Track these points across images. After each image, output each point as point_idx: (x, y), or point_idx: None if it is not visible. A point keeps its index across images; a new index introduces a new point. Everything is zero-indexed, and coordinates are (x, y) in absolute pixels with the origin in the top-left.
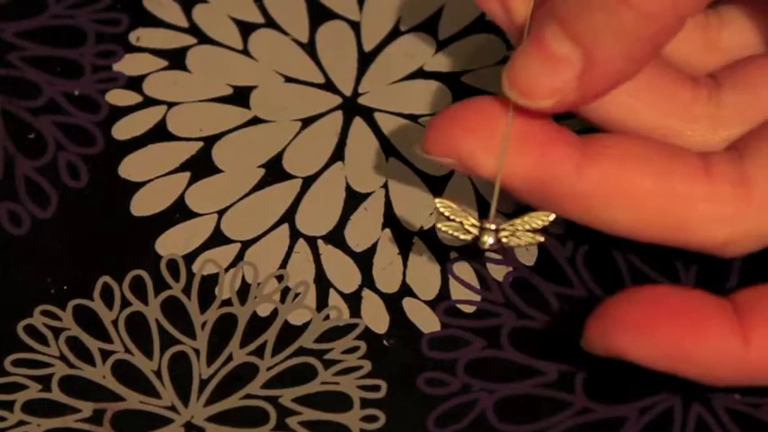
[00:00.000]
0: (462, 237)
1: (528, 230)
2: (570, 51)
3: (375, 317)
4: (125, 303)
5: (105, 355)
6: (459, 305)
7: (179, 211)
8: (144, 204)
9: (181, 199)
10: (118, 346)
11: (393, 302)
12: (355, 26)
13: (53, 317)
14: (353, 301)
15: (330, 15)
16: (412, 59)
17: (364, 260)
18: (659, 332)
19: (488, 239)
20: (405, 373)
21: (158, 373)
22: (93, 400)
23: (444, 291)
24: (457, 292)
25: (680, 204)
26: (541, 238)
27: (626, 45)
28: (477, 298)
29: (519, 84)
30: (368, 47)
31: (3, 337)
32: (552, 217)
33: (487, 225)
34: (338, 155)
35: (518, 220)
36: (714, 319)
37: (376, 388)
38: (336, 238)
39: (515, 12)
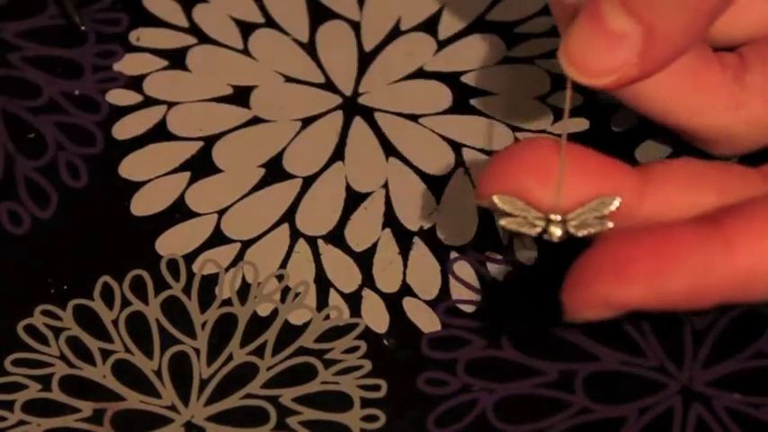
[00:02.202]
0: (529, 231)
1: (596, 217)
2: (630, 27)
3: (375, 316)
4: (125, 303)
5: (105, 354)
6: (459, 305)
7: (179, 211)
8: (144, 204)
9: (181, 199)
10: (118, 346)
11: (393, 302)
12: (355, 26)
13: (53, 317)
14: (354, 300)
15: (330, 15)
16: (412, 59)
17: (364, 260)
18: (640, 263)
19: (557, 231)
20: (405, 372)
21: (158, 373)
22: (93, 399)
23: (444, 290)
24: (457, 291)
25: None
26: (610, 224)
27: (689, 20)
28: (478, 298)
29: (577, 62)
30: (368, 47)
31: (3, 336)
32: (618, 201)
33: (553, 216)
34: (338, 155)
35: (585, 208)
36: (692, 233)
37: (376, 387)
38: (336, 237)
39: None
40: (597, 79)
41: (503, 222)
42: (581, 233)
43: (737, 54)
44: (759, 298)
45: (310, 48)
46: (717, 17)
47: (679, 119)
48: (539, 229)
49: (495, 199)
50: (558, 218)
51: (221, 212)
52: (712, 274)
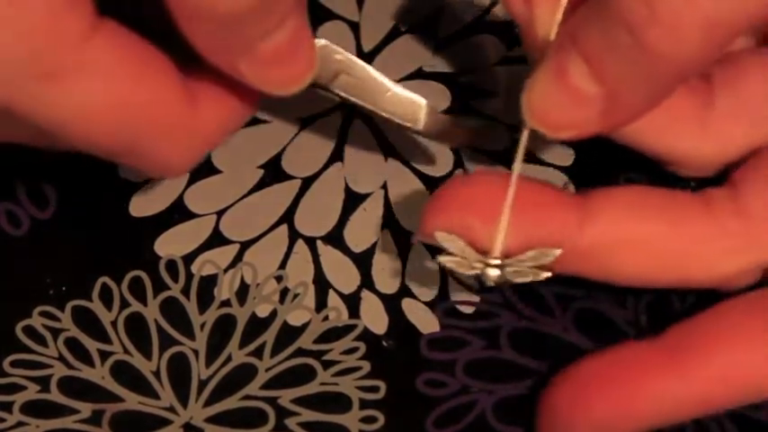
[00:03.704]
0: (466, 272)
1: (533, 266)
2: (594, 89)
3: (374, 317)
4: (124, 304)
5: (104, 355)
6: (458, 306)
7: (178, 212)
8: (143, 205)
9: (180, 200)
10: (117, 347)
11: (392, 303)
12: (355, 26)
13: (52, 318)
14: (353, 301)
15: (329, 16)
16: (412, 59)
17: (363, 261)
18: (602, 402)
19: (493, 275)
20: (404, 373)
21: (157, 374)
22: (91, 400)
23: (443, 291)
24: (456, 292)
25: (689, 245)
26: (547, 274)
27: (653, 90)
28: (477, 299)
29: (539, 113)
30: (367, 47)
31: (2, 337)
32: (558, 252)
33: (492, 260)
34: (337, 155)
35: (524, 256)
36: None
37: (375, 389)
38: (335, 238)
39: (538, 17)
40: (557, 132)
41: (441, 259)
42: (517, 280)
43: (705, 76)
44: (728, 407)
45: None
46: (679, 85)
47: (646, 143)
48: (476, 271)
49: (437, 236)
50: (497, 262)
51: (220, 213)
52: (672, 400)
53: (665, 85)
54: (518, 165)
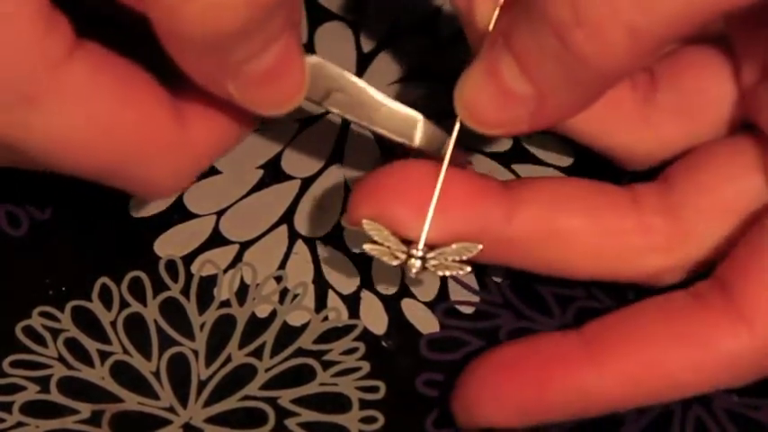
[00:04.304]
0: (389, 261)
1: (455, 261)
2: (524, 90)
3: (374, 318)
4: (124, 304)
5: (104, 356)
6: (457, 306)
7: (178, 212)
8: (143, 205)
9: (179, 200)
10: (116, 348)
11: (392, 303)
12: (354, 27)
13: (52, 318)
14: (352, 302)
15: (329, 16)
16: (411, 59)
17: (363, 261)
18: (515, 392)
19: (415, 266)
20: (404, 374)
21: (157, 375)
22: (91, 401)
23: (443, 292)
24: (456, 292)
25: (611, 239)
26: (468, 269)
27: (582, 92)
28: (476, 299)
29: (470, 109)
30: (367, 48)
31: (1, 338)
32: (480, 247)
33: (415, 252)
34: (337, 155)
35: (447, 249)
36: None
37: (375, 389)
38: (335, 239)
39: (478, 7)
40: (487, 129)
41: (366, 248)
42: (439, 273)
43: (647, 70)
44: (638, 405)
45: (309, 49)
46: (607, 91)
47: (587, 136)
48: (400, 261)
49: (364, 224)
50: (420, 253)
51: (220, 213)
52: (583, 392)
53: (594, 88)
54: (448, 156)
